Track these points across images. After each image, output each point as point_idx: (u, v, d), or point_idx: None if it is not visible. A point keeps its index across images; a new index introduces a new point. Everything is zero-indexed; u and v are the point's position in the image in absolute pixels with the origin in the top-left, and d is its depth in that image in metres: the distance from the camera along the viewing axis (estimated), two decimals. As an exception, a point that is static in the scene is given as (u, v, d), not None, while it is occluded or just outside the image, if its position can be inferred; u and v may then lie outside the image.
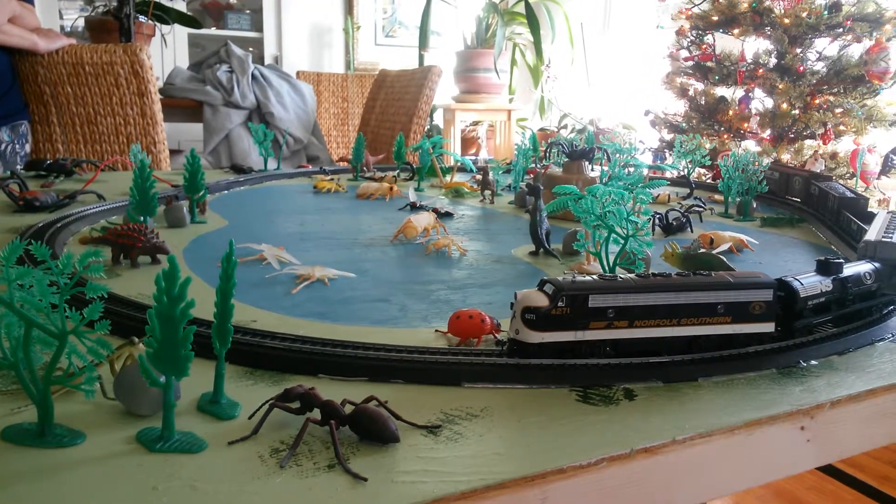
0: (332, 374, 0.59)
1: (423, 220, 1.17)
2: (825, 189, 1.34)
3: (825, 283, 0.71)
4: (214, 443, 0.48)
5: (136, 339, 0.57)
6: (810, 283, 0.70)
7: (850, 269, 0.75)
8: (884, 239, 0.88)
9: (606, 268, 0.90)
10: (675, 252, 0.92)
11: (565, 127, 5.09)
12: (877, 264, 0.79)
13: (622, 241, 0.87)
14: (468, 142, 5.47)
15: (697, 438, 0.52)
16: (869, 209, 1.22)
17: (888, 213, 1.04)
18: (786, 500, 2.21)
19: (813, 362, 0.67)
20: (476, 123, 5.47)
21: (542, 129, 4.96)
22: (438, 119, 5.23)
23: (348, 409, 0.50)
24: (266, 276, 0.89)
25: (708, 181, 1.75)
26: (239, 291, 0.82)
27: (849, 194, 1.26)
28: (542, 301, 0.59)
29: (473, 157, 4.48)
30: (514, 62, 5.29)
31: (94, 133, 2.52)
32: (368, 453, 0.47)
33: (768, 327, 0.66)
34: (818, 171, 2.60)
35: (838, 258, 0.75)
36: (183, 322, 0.46)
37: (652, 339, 0.62)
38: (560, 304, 0.59)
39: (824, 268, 0.73)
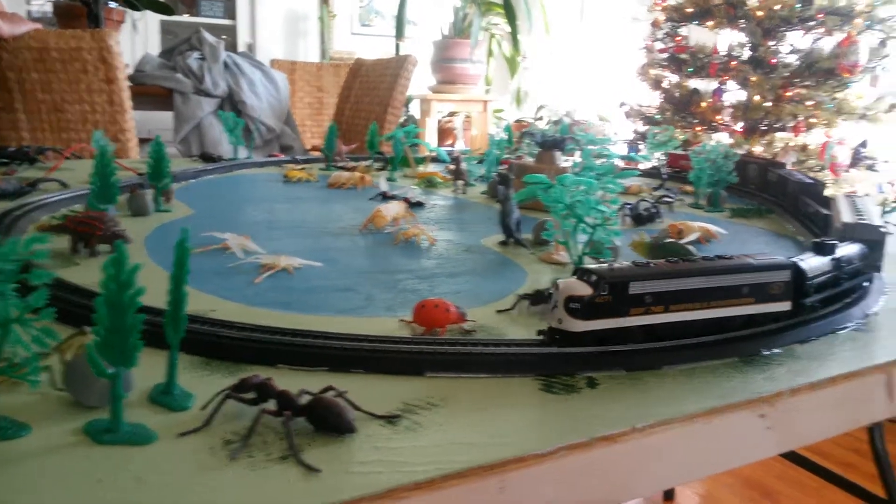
0: (292, 364, 0.58)
1: (393, 209, 1.16)
2: (784, 175, 1.39)
3: (825, 264, 0.75)
4: (165, 435, 0.47)
5: (87, 329, 0.55)
6: (815, 263, 0.73)
7: (841, 250, 0.79)
8: (862, 220, 0.92)
9: (574, 258, 0.90)
10: (643, 241, 0.92)
11: (541, 118, 5.09)
12: (862, 245, 0.83)
13: (590, 231, 0.87)
14: (445, 132, 5.45)
15: (657, 426, 0.52)
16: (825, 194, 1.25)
17: (845, 195, 1.07)
18: (754, 489, 2.25)
19: (776, 351, 0.67)
20: (453, 114, 5.45)
21: (518, 121, 4.96)
22: (415, 109, 5.20)
23: (306, 399, 0.49)
24: (229, 266, 0.88)
25: (665, 168, 1.78)
26: (200, 281, 0.81)
27: (806, 180, 1.29)
28: (584, 290, 0.59)
29: (450, 148, 4.47)
30: (490, 53, 5.28)
31: (61, 121, 2.46)
32: (324, 444, 0.46)
33: (786, 306, 0.69)
34: (790, 163, 2.63)
35: (832, 241, 0.79)
36: (132, 310, 0.45)
37: (686, 323, 0.63)
38: (603, 291, 0.59)
39: (821, 249, 0.77)
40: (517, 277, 0.91)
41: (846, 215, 0.97)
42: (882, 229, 0.92)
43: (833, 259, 0.76)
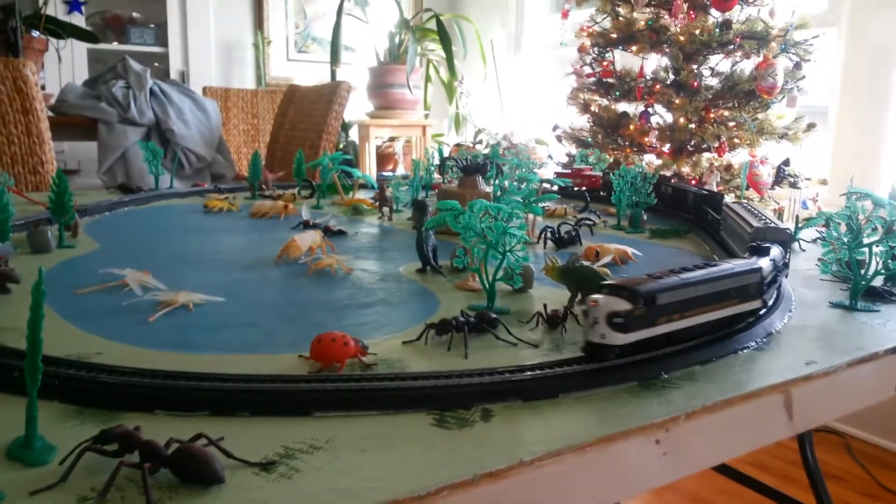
0: (169, 409, 0.55)
1: (309, 238, 1.13)
2: (680, 188, 1.53)
3: (769, 265, 0.81)
4: (17, 493, 0.43)
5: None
6: (764, 265, 0.80)
7: (773, 252, 0.86)
8: (770, 224, 1.02)
9: (486, 283, 0.89)
10: (555, 266, 0.92)
11: (480, 142, 5.13)
12: (780, 246, 0.90)
13: (500, 256, 0.87)
14: (385, 158, 5.43)
15: (546, 458, 0.50)
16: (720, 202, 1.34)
17: (735, 202, 1.15)
18: (694, 503, 2.26)
19: (676, 373, 0.67)
20: (393, 139, 5.44)
21: (457, 145, 4.98)
22: (354, 135, 5.18)
23: (175, 449, 0.46)
24: (123, 304, 0.84)
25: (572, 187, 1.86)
26: (90, 321, 0.77)
27: (703, 191, 1.42)
28: (624, 304, 0.62)
29: (391, 174, 4.45)
30: (428, 78, 5.30)
31: (-25, 153, 2.36)
32: (188, 497, 0.44)
33: (758, 303, 0.77)
34: (714, 182, 2.70)
35: (766, 244, 0.87)
36: (-29, 362, 0.42)
37: (695, 326, 0.69)
38: (639, 305, 0.62)
39: (758, 252, 0.84)
40: (430, 306, 0.90)
41: (752, 220, 1.06)
42: (788, 230, 1.01)
43: (771, 259, 0.83)
